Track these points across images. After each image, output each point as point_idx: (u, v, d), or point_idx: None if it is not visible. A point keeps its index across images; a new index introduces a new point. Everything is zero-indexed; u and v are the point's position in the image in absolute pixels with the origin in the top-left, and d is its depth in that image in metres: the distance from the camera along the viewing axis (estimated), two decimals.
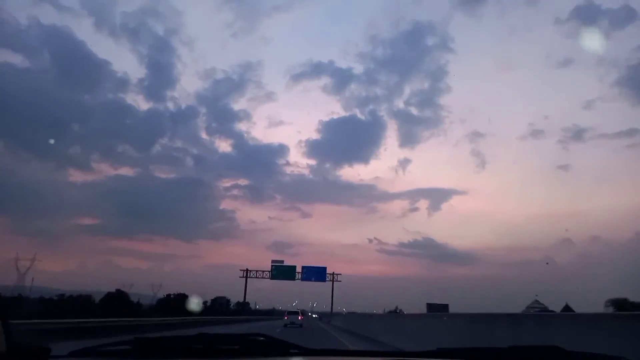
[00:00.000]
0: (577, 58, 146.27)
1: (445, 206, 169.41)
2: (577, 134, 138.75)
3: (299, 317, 37.79)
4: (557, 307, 53.50)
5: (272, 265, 64.41)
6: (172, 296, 46.83)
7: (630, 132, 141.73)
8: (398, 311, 66.61)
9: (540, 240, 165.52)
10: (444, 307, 52.08)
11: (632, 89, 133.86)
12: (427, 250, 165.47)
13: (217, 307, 60.30)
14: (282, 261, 65.03)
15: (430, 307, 53.25)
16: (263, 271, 65.05)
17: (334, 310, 67.12)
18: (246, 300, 69.21)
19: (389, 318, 17.84)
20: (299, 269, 63.75)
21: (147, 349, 1.49)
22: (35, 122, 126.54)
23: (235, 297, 72.80)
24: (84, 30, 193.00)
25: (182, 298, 46.12)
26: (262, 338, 1.57)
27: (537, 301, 58.39)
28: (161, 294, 48.99)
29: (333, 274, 64.59)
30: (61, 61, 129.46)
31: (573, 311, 44.21)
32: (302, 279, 63.42)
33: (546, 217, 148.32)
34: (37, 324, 13.28)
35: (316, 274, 63.63)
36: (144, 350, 1.48)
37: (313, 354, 1.53)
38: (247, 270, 65.84)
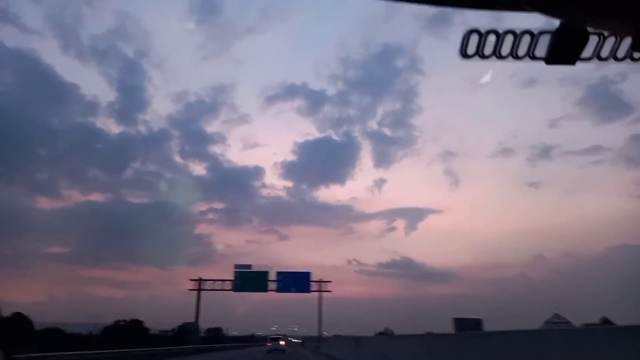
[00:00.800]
0: (540, 78, 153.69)
1: (421, 225, 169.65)
2: (544, 152, 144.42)
3: (282, 343, 40.50)
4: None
5: (235, 272, 47.17)
6: (121, 323, 29.63)
7: (594, 149, 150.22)
8: (388, 332, 54.26)
9: (516, 256, 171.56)
10: (477, 323, 40.88)
11: (592, 108, 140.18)
12: (406, 269, 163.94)
13: (185, 334, 42.03)
14: (250, 266, 48.19)
15: (460, 322, 41.61)
16: (222, 280, 47.38)
17: (320, 333, 51.62)
18: (204, 324, 50.58)
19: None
20: (273, 276, 47.56)
21: None
22: (0, 147, 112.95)
23: (211, 322, 59.45)
24: (50, 53, 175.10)
25: (135, 325, 28.96)
26: None
27: (557, 315, 50.31)
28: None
29: (320, 281, 49.28)
30: (26, 84, 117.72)
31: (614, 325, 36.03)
32: (278, 290, 47.19)
33: (520, 234, 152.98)
34: None
35: (296, 282, 47.80)
36: None
37: None
38: (199, 280, 47.52)
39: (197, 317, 46.66)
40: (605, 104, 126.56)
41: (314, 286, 48.68)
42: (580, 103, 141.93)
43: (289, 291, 47.72)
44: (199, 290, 46.72)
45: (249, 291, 47.77)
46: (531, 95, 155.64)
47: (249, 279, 47.00)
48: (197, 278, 47.29)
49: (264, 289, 47.29)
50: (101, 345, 21.39)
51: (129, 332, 27.65)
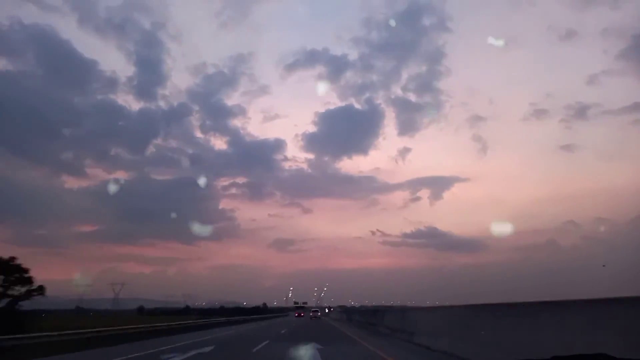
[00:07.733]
0: (580, 30, 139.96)
1: (447, 194, 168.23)
2: (581, 112, 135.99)
3: (319, 313, 55.49)
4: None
5: None
6: None
7: (636, 107, 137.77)
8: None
9: (545, 223, 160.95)
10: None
11: (637, 61, 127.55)
12: (431, 239, 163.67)
13: None
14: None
15: None
16: None
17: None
18: None
19: None
20: None
21: None
22: (25, 127, 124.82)
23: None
24: (68, 28, 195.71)
25: None
26: None
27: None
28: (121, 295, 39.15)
29: None
30: (46, 62, 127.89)
31: None
32: None
33: (550, 200, 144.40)
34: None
35: None
36: None
37: None
38: None
39: None
40: None
41: None
42: (623, 56, 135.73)
43: None
44: None
45: None
46: (569, 50, 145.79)
47: None
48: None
49: None
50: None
51: None
